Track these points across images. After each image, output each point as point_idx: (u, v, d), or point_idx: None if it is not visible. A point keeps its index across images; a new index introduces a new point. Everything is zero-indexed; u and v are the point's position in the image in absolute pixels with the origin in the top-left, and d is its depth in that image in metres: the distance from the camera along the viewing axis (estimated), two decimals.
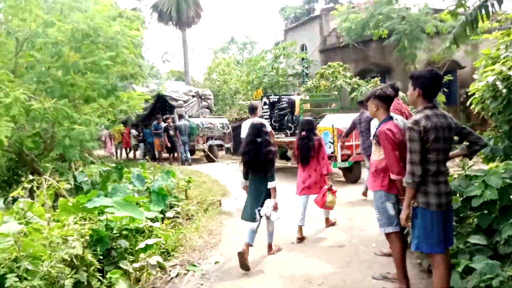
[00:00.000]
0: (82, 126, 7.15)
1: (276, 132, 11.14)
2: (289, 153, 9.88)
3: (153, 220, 6.32)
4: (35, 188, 4.66)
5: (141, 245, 4.15)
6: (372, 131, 4.10)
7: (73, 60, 7.87)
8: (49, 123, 7.16)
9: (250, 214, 4.35)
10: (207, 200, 8.00)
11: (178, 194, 8.72)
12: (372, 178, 3.47)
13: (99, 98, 8.11)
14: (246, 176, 4.56)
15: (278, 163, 12.64)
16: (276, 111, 11.10)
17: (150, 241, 4.26)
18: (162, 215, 6.79)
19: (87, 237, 3.86)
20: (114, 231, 4.26)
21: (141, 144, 15.35)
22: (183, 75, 24.48)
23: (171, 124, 13.68)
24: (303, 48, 18.46)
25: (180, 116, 14.71)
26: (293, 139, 9.68)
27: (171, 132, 13.27)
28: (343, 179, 9.11)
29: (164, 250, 4.80)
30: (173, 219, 6.25)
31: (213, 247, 5.04)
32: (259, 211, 4.29)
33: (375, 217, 3.47)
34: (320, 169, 5.10)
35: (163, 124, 13.97)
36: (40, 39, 7.73)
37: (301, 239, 4.98)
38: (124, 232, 4.45)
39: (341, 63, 14.26)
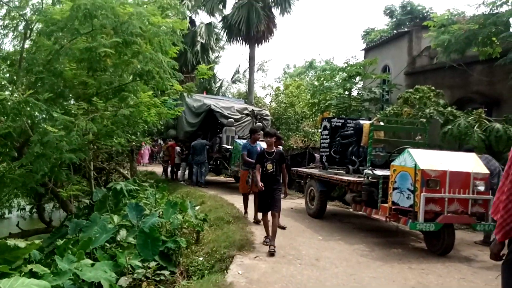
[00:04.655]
0: (60, 131, 5.27)
1: (335, 167, 8.46)
2: (348, 196, 7.12)
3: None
4: None
5: None
6: None
7: (72, 46, 6.17)
8: (16, 121, 5.43)
9: None
10: (218, 251, 5.62)
11: (185, 235, 6.51)
12: None
13: (100, 98, 6.31)
14: None
15: (337, 206, 9.85)
16: (338, 139, 8.44)
17: None
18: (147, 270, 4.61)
19: None
20: None
21: (183, 164, 13.56)
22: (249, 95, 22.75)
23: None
24: (385, 69, 15.53)
25: (232, 137, 12.73)
26: (355, 178, 6.93)
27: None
28: (423, 245, 6.15)
29: None
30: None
31: None
32: None
33: None
34: None
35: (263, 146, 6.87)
36: (38, 16, 6.18)
37: None
38: None
39: (433, 88, 11.17)
